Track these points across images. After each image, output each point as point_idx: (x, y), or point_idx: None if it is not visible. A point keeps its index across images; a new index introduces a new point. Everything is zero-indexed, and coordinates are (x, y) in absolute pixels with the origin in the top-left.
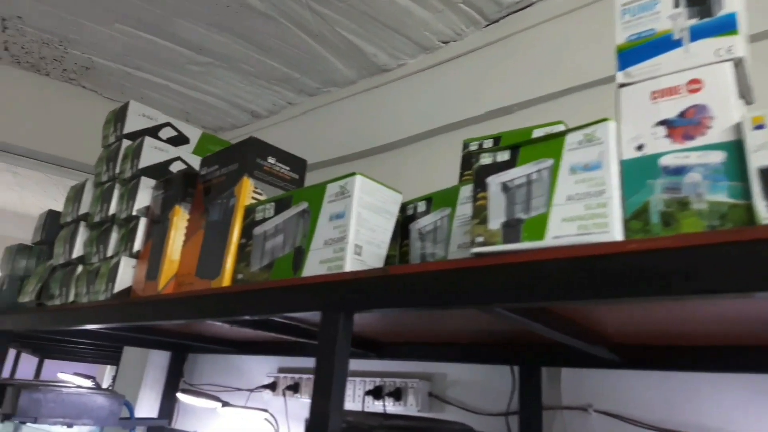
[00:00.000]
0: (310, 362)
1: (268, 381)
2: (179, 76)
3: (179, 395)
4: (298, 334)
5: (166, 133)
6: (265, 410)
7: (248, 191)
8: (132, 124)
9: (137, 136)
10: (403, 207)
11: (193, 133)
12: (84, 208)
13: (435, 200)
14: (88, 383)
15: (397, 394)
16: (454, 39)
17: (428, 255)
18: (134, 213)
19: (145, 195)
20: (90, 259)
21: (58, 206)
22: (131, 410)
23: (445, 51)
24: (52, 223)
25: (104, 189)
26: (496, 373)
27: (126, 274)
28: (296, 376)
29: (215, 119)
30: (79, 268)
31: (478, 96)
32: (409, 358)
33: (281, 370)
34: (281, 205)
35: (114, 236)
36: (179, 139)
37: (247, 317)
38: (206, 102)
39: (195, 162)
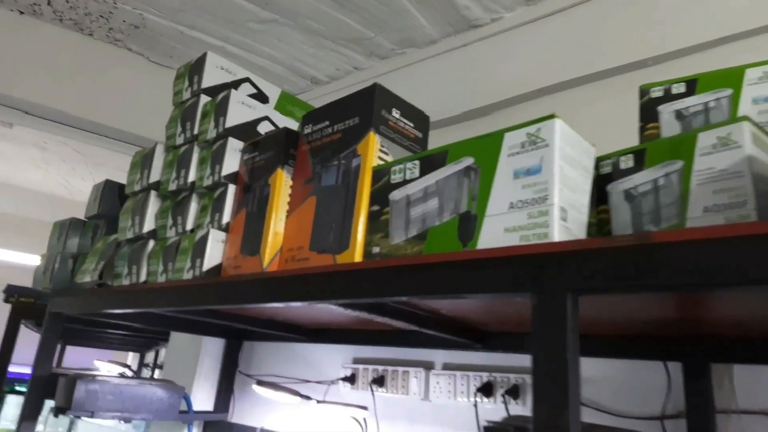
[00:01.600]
0: (388, 352)
1: (344, 373)
2: (237, 36)
3: (256, 387)
4: (418, 322)
5: (245, 90)
6: (365, 407)
7: (375, 149)
8: (210, 78)
9: (217, 91)
10: (596, 164)
11: (273, 92)
12: (155, 175)
13: (650, 153)
14: (128, 373)
15: (514, 392)
16: None
17: (646, 222)
18: (222, 179)
19: (232, 159)
20: (164, 233)
21: (85, 186)
22: (189, 403)
23: (549, 2)
24: (109, 194)
25: (180, 153)
26: (641, 369)
27: (215, 250)
28: (379, 368)
29: None
30: (151, 243)
31: (595, 51)
32: (525, 350)
33: (358, 361)
34: (429, 162)
35: (194, 206)
36: (258, 98)
37: (392, 300)
38: (262, 66)
39: (282, 122)
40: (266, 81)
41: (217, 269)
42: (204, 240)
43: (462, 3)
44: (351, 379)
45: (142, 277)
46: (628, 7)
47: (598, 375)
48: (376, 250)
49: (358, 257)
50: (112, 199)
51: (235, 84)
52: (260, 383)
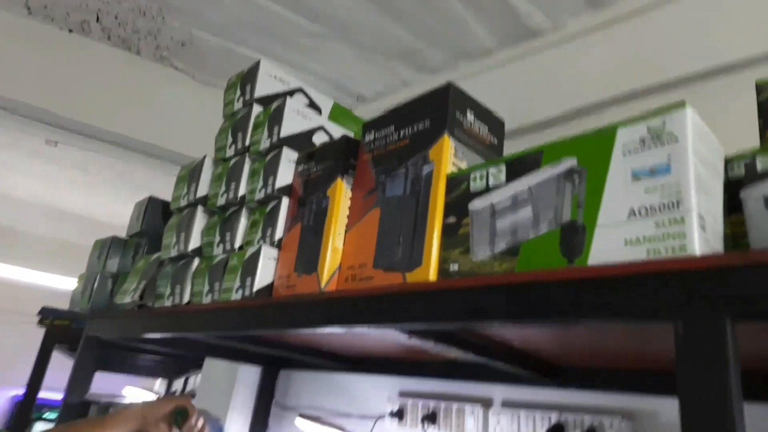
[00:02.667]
0: (439, 386)
1: (390, 407)
2: (286, 53)
3: (299, 421)
4: (488, 353)
5: (298, 100)
6: None
7: (449, 154)
8: (263, 87)
9: (271, 100)
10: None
11: (326, 103)
12: (202, 189)
13: None
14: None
15: None
16: None
17: None
18: (275, 192)
19: (287, 170)
20: (211, 251)
21: (126, 210)
22: None
23: (616, 7)
24: (153, 211)
25: (230, 165)
26: (752, 413)
27: (267, 268)
28: (430, 403)
29: None
30: (195, 262)
31: (667, 57)
32: (604, 387)
33: (405, 395)
34: (518, 166)
35: (243, 222)
36: (312, 108)
37: (478, 325)
38: (308, 83)
39: (337, 133)
40: (318, 93)
41: (269, 289)
42: (255, 257)
43: (524, 10)
44: (399, 415)
45: (186, 298)
46: (702, 12)
47: None
48: (454, 267)
49: (432, 275)
50: (156, 216)
51: (289, 93)
52: (303, 416)
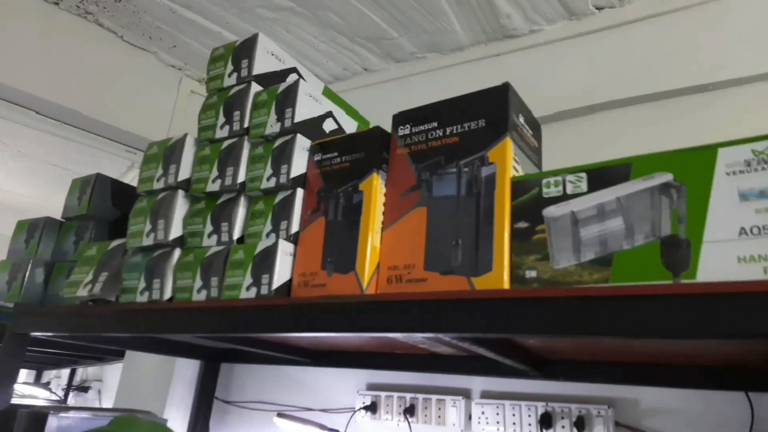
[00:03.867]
0: (407, 378)
1: (361, 401)
2: (240, 23)
3: (277, 420)
4: (501, 352)
5: (311, 83)
6: None
7: (511, 157)
8: (262, 64)
9: (268, 79)
10: None
11: (317, 86)
12: (184, 172)
13: None
14: (49, 395)
15: (580, 424)
16: (611, 6)
17: None
18: (289, 181)
19: (301, 159)
20: (198, 242)
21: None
22: None
23: (594, 19)
24: (101, 191)
25: (222, 148)
26: (716, 399)
27: (284, 264)
28: (406, 395)
29: None
30: (176, 253)
31: (641, 72)
32: (589, 379)
33: (374, 387)
34: (601, 175)
35: (241, 211)
36: None
37: (565, 337)
38: None
39: (344, 121)
40: (311, 73)
41: (287, 287)
42: (271, 252)
43: (504, 10)
44: (372, 408)
45: (167, 293)
46: (679, 31)
47: (667, 405)
48: (531, 274)
49: (505, 282)
50: (104, 196)
51: (284, 74)
52: (281, 415)
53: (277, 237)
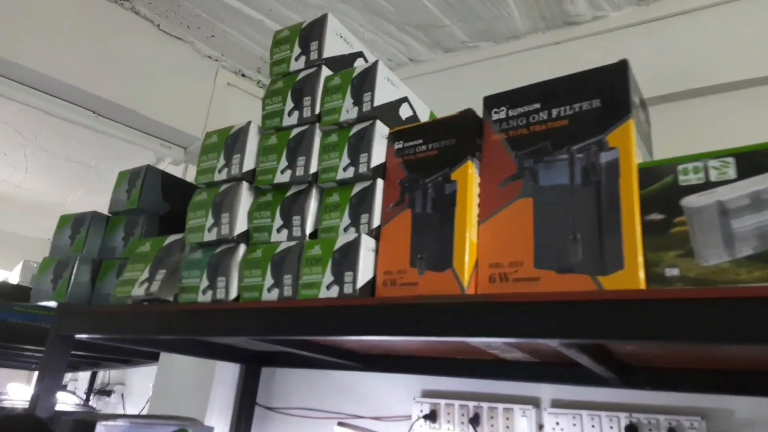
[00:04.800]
0: (463, 385)
1: (419, 409)
2: (285, 11)
3: (338, 429)
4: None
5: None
6: None
7: (634, 141)
8: (332, 47)
9: (338, 63)
10: None
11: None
12: (249, 162)
13: None
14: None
15: None
16: None
17: None
18: (370, 171)
19: (380, 147)
20: (266, 236)
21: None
22: None
23: (666, 4)
24: (152, 183)
25: (291, 136)
26: None
27: (367, 260)
28: (469, 404)
29: None
30: (242, 248)
31: (718, 59)
32: (679, 388)
33: (431, 395)
34: (754, 160)
35: (313, 204)
36: None
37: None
38: None
39: (419, 107)
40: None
41: (370, 286)
42: (353, 248)
43: None
44: (431, 417)
45: (233, 293)
46: (754, 16)
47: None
48: (672, 272)
49: (641, 281)
50: (155, 189)
51: (352, 58)
52: (342, 424)
53: (358, 231)
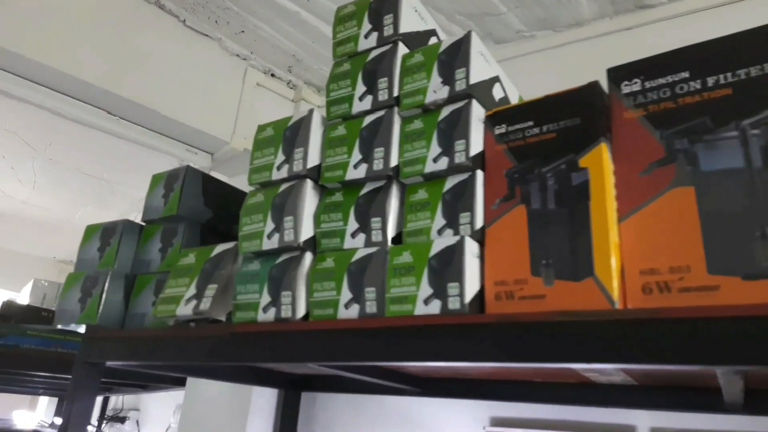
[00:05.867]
0: (526, 410)
1: None
2: (323, 1)
3: None
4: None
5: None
6: None
7: None
8: (408, 22)
9: (411, 41)
10: None
11: None
12: (313, 158)
13: None
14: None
15: None
16: None
17: None
18: (468, 161)
19: (477, 132)
20: (339, 243)
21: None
22: None
23: None
24: (192, 186)
25: (366, 124)
26: None
27: (472, 269)
28: None
29: None
30: (308, 257)
31: None
32: None
33: (502, 423)
34: None
35: (394, 203)
36: None
37: None
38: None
39: (509, 88)
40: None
41: (478, 300)
42: (455, 253)
43: None
44: None
45: (300, 310)
46: None
47: None
48: None
49: None
50: (196, 194)
51: (426, 35)
52: None
53: (458, 234)
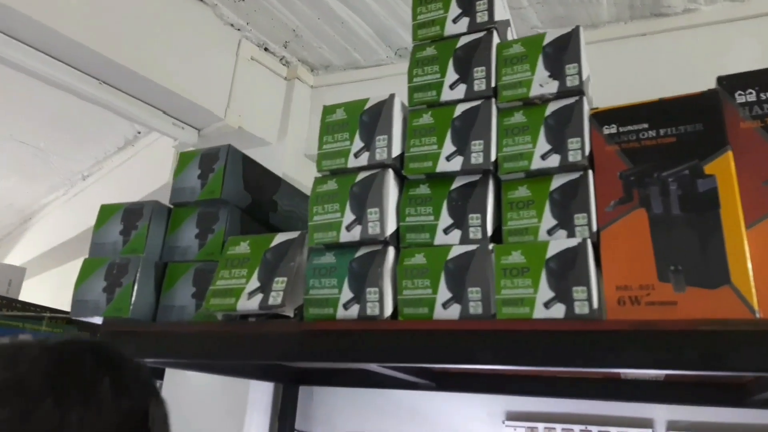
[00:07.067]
0: (543, 405)
1: None
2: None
3: None
4: None
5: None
6: None
7: None
8: (499, 10)
9: (502, 29)
10: None
11: None
12: (396, 146)
13: None
14: None
15: None
16: None
17: None
18: (584, 161)
19: (587, 130)
20: (430, 238)
21: None
22: None
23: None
24: (234, 169)
25: (458, 114)
26: None
27: (593, 272)
28: (576, 427)
29: (332, 53)
30: (391, 252)
31: None
32: None
33: (518, 417)
34: None
35: (490, 198)
36: None
37: None
38: (344, 20)
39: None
40: (318, 48)
41: (599, 305)
42: (577, 256)
43: None
44: None
45: (388, 308)
46: None
47: None
48: None
49: None
50: (236, 176)
51: (505, 25)
52: None
53: (573, 235)
